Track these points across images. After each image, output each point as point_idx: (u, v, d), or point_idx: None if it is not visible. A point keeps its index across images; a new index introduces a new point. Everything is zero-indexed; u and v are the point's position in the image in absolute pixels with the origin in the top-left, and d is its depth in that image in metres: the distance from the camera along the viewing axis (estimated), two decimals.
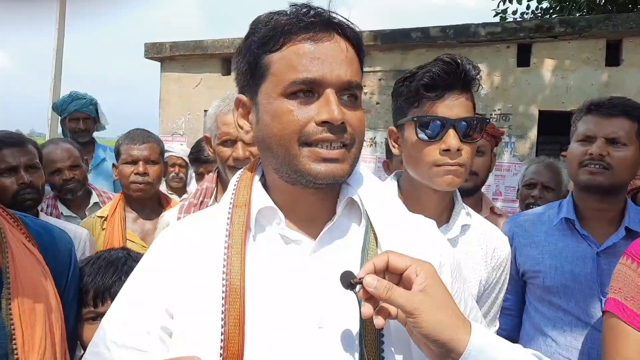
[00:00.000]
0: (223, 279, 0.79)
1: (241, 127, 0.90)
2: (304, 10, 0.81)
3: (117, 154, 2.26)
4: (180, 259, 0.85)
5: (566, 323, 1.59)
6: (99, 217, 2.24)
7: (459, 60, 1.22)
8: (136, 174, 2.17)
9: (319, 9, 0.82)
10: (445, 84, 1.22)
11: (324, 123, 0.78)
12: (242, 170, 0.94)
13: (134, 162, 2.18)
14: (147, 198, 2.26)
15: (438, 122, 1.22)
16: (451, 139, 1.21)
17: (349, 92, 0.82)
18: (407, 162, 1.32)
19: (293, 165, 0.80)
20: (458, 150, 1.21)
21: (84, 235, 2.03)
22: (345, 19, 0.84)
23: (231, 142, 1.61)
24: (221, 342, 0.75)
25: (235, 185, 0.90)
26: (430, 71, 1.22)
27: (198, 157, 2.96)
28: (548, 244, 1.66)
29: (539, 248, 1.67)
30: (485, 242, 1.35)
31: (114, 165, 2.32)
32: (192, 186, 3.15)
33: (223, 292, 0.78)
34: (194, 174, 3.48)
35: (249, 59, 0.85)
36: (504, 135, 5.05)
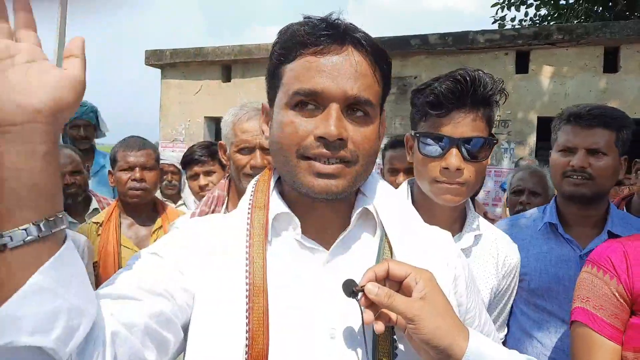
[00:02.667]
0: (246, 277, 0.78)
1: (263, 133, 0.92)
2: (321, 23, 0.80)
3: (113, 161, 2.27)
4: (200, 250, 0.83)
5: (551, 325, 1.62)
6: (94, 223, 2.25)
7: (468, 78, 1.17)
8: (133, 180, 2.18)
9: (335, 22, 0.81)
10: (451, 102, 1.19)
11: (320, 138, 0.78)
12: (259, 175, 0.94)
13: (131, 168, 2.20)
14: (143, 204, 2.27)
15: (440, 140, 1.20)
16: (452, 158, 1.18)
17: (358, 109, 0.80)
18: (415, 173, 1.31)
19: (292, 175, 0.81)
20: (459, 169, 1.18)
21: (82, 241, 2.04)
22: (363, 32, 0.82)
23: (249, 150, 1.62)
24: (246, 339, 0.75)
25: (253, 188, 0.90)
26: (435, 89, 1.20)
27: (192, 158, 2.94)
28: (533, 248, 1.70)
29: (524, 251, 1.69)
30: (496, 251, 1.35)
31: (109, 172, 2.32)
32: (187, 191, 3.12)
33: (247, 290, 0.78)
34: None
35: (269, 68, 0.87)
36: (504, 141, 5.10)
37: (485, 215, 2.15)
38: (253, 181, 0.93)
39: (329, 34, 0.79)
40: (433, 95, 1.20)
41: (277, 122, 0.83)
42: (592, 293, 1.20)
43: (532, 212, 1.84)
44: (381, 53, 0.83)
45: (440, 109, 1.20)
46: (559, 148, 1.65)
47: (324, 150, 0.78)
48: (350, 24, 0.82)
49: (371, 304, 0.74)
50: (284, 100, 0.81)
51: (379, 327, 0.75)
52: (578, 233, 1.66)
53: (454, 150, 1.19)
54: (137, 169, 2.19)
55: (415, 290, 0.74)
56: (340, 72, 0.78)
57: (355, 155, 0.80)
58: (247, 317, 0.76)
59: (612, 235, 1.59)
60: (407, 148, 1.35)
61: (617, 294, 1.16)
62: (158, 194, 3.31)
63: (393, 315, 0.76)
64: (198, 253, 0.83)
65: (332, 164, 0.79)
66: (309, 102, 0.79)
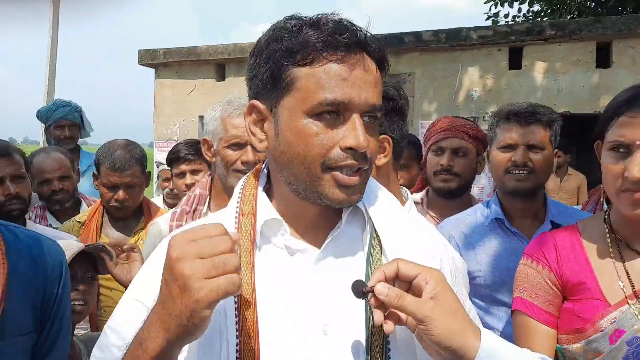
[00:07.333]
0: None
1: (253, 134, 0.86)
2: (340, 28, 0.78)
3: (97, 167, 2.19)
4: None
5: (509, 315, 1.63)
6: (77, 221, 2.23)
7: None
8: (116, 200, 2.13)
9: (353, 28, 0.79)
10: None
11: (348, 149, 0.78)
12: (246, 177, 0.93)
13: (114, 187, 2.12)
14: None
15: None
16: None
17: (371, 114, 0.82)
18: None
19: (313, 186, 0.80)
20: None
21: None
22: (375, 39, 0.82)
23: (239, 146, 1.60)
24: (236, 352, 0.76)
25: (240, 193, 0.89)
26: None
27: (178, 156, 2.89)
28: (483, 244, 1.77)
29: (476, 249, 1.78)
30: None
31: (94, 175, 2.27)
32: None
33: (235, 302, 0.78)
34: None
35: (271, 67, 0.80)
36: None
37: None
38: (240, 184, 0.92)
39: (350, 41, 0.77)
40: None
41: (294, 131, 0.79)
42: (528, 283, 1.28)
43: (476, 208, 1.89)
44: (386, 61, 0.84)
45: None
46: (499, 145, 1.74)
47: (352, 161, 0.79)
48: (363, 29, 0.81)
49: (381, 304, 0.74)
50: (302, 107, 0.78)
51: (389, 327, 0.74)
52: (522, 225, 1.77)
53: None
54: (121, 191, 2.11)
55: (426, 290, 0.73)
56: (362, 81, 0.79)
57: (370, 163, 0.82)
58: (237, 330, 0.77)
59: (555, 225, 1.68)
60: None
61: (549, 282, 1.25)
62: (159, 202, 3.22)
63: (402, 315, 0.75)
64: None
65: (354, 173, 0.80)
66: (331, 111, 0.78)
